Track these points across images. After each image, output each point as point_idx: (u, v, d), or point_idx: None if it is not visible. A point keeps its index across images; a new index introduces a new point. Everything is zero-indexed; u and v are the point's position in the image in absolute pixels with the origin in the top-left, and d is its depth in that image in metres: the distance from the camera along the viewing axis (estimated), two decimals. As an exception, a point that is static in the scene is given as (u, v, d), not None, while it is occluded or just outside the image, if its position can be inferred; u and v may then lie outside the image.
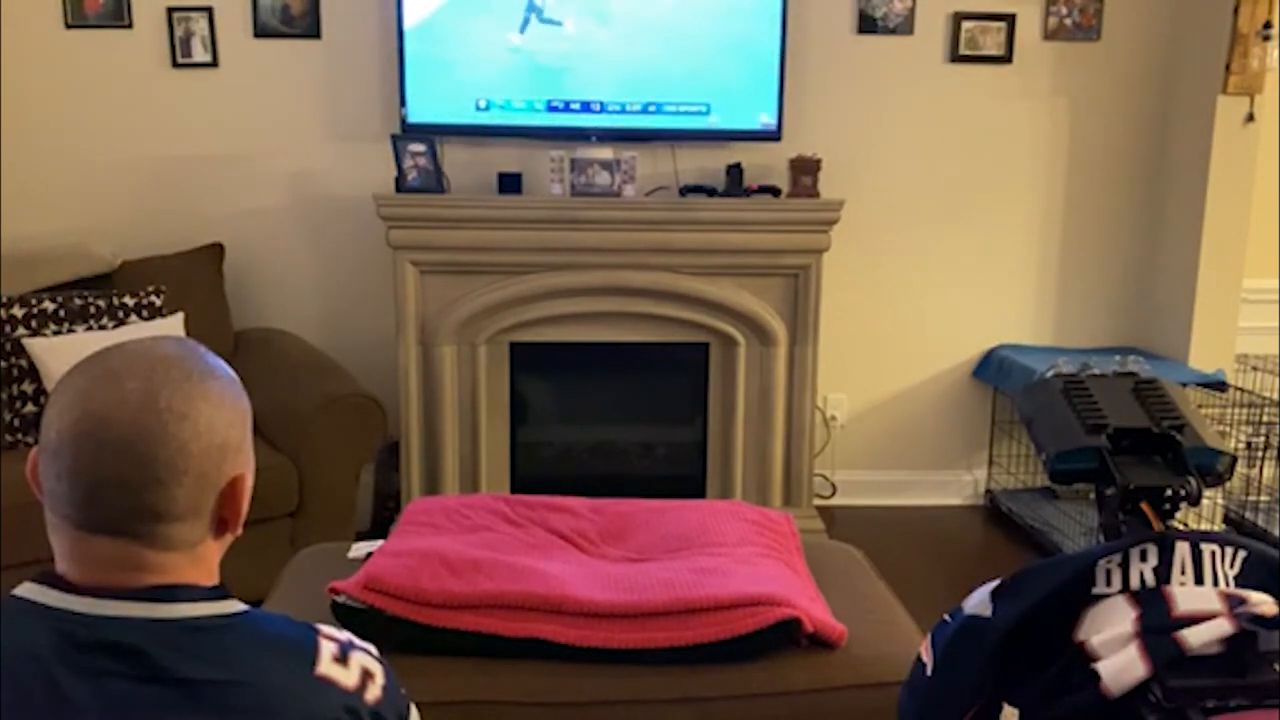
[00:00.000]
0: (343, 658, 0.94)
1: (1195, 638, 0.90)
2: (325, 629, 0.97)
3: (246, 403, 0.99)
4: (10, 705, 0.84)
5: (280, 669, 0.91)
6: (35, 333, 2.92)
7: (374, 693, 0.95)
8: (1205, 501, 3.50)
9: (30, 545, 2.53)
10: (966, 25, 3.57)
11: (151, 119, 3.46)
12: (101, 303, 3.02)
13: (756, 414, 3.46)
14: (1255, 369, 3.45)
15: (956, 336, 3.79)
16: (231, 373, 0.98)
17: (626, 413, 3.73)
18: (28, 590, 0.90)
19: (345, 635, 0.98)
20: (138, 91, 3.44)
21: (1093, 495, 1.16)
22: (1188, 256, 3.52)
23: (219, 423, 0.93)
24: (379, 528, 3.25)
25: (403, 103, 3.34)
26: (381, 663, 0.98)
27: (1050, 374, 1.24)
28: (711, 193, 3.40)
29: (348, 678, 0.93)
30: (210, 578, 0.96)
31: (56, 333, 2.94)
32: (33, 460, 0.93)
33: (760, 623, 1.73)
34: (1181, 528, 1.06)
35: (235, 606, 0.94)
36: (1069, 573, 0.99)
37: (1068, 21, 3.59)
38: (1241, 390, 3.39)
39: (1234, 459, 1.16)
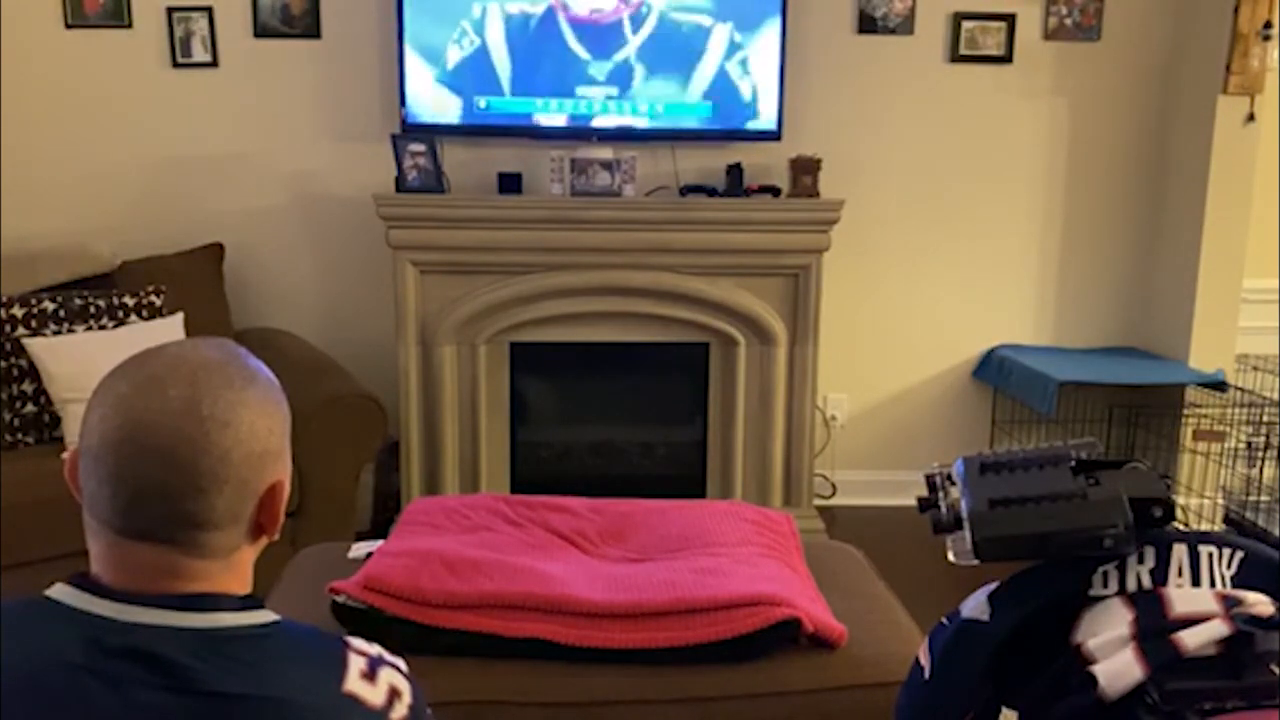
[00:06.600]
0: (371, 674, 0.92)
1: (1192, 639, 0.90)
2: (355, 643, 0.95)
3: (287, 408, 0.98)
4: (36, 708, 0.83)
5: (307, 684, 0.89)
6: (35, 333, 2.92)
7: (400, 712, 0.93)
8: (1205, 501, 3.50)
9: (30, 545, 2.55)
10: (966, 25, 3.57)
11: (151, 119, 3.46)
12: (101, 303, 3.02)
13: (756, 414, 3.46)
14: (1255, 369, 3.45)
15: (956, 336, 3.79)
16: (273, 377, 0.97)
17: (626, 413, 3.73)
18: (59, 592, 0.90)
19: (375, 650, 0.96)
20: (138, 91, 3.44)
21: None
22: (1188, 256, 3.52)
23: (260, 430, 0.92)
24: (379, 528, 3.25)
25: (403, 103, 3.34)
26: (410, 680, 0.96)
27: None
28: (711, 193, 3.39)
29: (375, 695, 0.91)
30: (244, 585, 0.95)
31: (56, 333, 2.94)
32: (71, 461, 0.93)
33: (760, 623, 1.73)
34: (1181, 529, 1.06)
35: (267, 617, 0.92)
36: (1067, 575, 0.99)
37: (1068, 21, 3.59)
38: (1241, 390, 3.39)
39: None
